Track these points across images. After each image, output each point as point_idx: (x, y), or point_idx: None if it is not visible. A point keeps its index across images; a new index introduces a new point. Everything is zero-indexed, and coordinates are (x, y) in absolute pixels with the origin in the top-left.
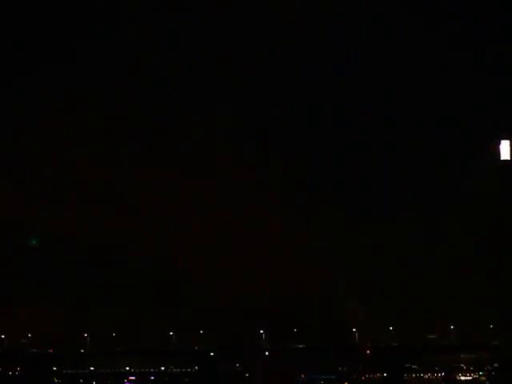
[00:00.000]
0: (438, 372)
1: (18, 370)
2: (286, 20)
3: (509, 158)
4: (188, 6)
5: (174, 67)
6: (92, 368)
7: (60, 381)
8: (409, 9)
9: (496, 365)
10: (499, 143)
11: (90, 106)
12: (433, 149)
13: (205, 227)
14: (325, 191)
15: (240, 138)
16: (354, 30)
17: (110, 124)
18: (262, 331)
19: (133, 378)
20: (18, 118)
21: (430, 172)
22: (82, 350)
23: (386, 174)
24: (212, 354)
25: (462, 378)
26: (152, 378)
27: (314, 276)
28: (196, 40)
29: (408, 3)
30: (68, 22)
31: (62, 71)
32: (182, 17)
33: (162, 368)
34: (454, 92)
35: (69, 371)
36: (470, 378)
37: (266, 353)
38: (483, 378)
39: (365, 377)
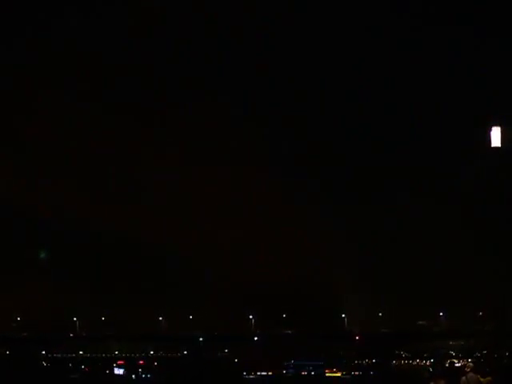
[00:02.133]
0: (426, 359)
1: (6, 354)
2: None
3: (499, 145)
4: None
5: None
6: (81, 352)
7: (49, 365)
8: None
9: (485, 352)
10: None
11: (90, 105)
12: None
13: (202, 214)
14: (322, 178)
15: (242, 139)
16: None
17: (109, 114)
18: (250, 316)
19: (122, 362)
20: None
21: (431, 174)
22: (72, 334)
23: (385, 162)
24: (201, 339)
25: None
26: (141, 362)
27: (304, 261)
28: (198, 31)
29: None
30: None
31: (58, 61)
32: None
33: (151, 352)
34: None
35: (58, 355)
36: (459, 364)
37: (255, 338)
38: (471, 365)
39: (354, 363)
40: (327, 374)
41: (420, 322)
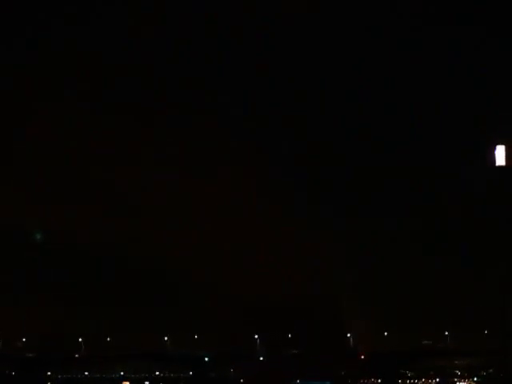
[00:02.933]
0: (432, 377)
1: (13, 375)
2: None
3: (504, 164)
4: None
5: (174, 66)
6: (86, 373)
7: None
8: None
9: (490, 370)
10: (495, 148)
11: (90, 105)
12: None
13: (204, 229)
14: (323, 191)
15: (242, 139)
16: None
17: (110, 124)
18: (256, 336)
19: (127, 383)
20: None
21: (431, 174)
22: (77, 355)
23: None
24: (206, 359)
25: None
26: (147, 383)
27: (310, 278)
28: (198, 31)
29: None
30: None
31: (58, 61)
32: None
33: (157, 373)
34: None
35: (63, 376)
36: (465, 383)
37: (261, 358)
38: None
39: (360, 382)
40: None
41: (425, 342)
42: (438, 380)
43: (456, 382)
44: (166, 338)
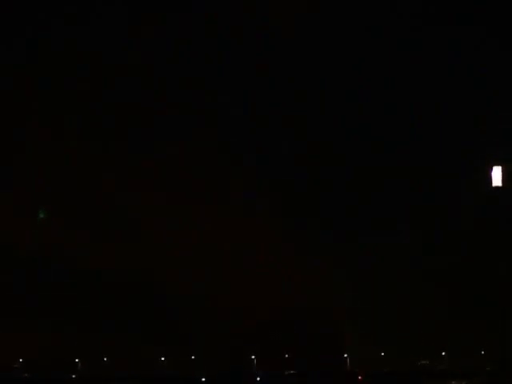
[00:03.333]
0: None
1: None
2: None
3: (500, 185)
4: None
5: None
6: None
7: None
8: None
9: None
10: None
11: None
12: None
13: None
14: (321, 212)
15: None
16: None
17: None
18: (253, 356)
19: None
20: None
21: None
22: (73, 376)
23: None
24: (203, 379)
25: None
26: None
27: (305, 298)
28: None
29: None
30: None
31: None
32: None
33: None
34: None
35: None
36: None
37: (258, 378)
38: None
39: None
40: None
41: (422, 362)
42: None
43: None
44: (162, 359)
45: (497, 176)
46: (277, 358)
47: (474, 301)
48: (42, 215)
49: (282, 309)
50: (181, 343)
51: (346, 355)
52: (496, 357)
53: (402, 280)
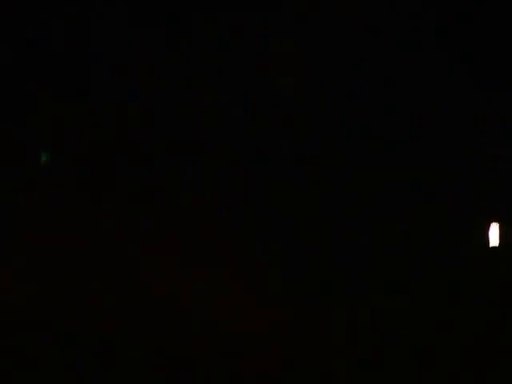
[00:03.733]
0: None
1: None
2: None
3: (498, 244)
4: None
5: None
6: None
7: None
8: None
9: None
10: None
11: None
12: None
13: None
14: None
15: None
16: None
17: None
18: None
19: None
20: None
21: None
22: None
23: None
24: None
25: None
26: None
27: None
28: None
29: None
30: None
31: None
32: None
33: None
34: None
35: None
36: None
37: None
38: None
39: None
40: None
41: None
42: None
43: None
44: None
45: (495, 233)
46: None
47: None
48: (44, 158)
49: None
50: None
51: None
52: None
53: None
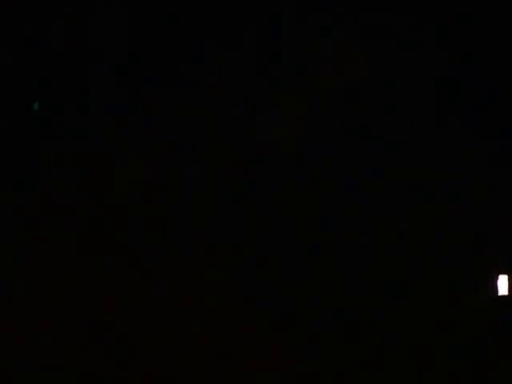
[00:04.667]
0: None
1: None
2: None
3: (507, 294)
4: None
5: None
6: None
7: None
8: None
9: None
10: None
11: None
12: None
13: None
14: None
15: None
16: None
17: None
18: None
19: None
20: None
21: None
22: None
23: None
24: None
25: None
26: None
27: None
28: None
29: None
30: None
31: None
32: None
33: None
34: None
35: None
36: None
37: None
38: None
39: None
40: None
41: None
42: None
43: None
44: None
45: (503, 284)
46: None
47: None
48: (36, 107)
49: None
50: None
51: None
52: None
53: None
